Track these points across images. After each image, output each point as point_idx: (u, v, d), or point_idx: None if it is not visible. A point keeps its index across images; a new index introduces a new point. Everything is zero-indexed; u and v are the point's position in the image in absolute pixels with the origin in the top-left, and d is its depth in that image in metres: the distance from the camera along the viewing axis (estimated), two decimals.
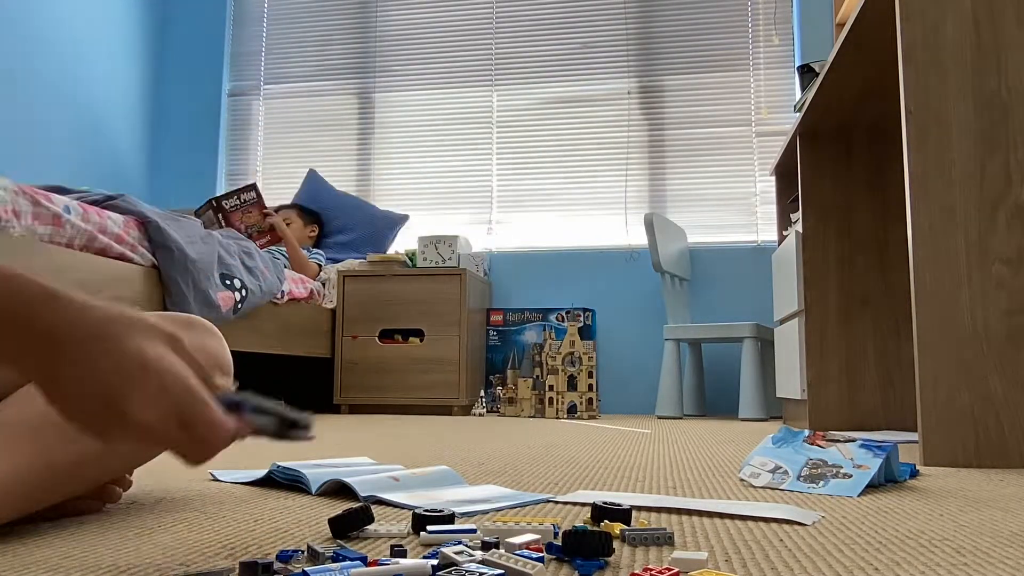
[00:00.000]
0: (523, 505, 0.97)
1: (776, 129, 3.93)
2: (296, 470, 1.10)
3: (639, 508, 0.93)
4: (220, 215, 3.54)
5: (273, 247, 3.60)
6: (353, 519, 0.73)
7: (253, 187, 3.62)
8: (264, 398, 0.61)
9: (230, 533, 0.76)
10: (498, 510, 0.93)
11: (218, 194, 3.69)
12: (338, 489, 1.04)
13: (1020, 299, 1.48)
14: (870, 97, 2.36)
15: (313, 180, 4.14)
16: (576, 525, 0.70)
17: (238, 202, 3.58)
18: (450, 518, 0.77)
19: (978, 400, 1.46)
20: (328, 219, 4.03)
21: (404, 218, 4.07)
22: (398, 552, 0.64)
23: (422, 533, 0.73)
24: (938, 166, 1.54)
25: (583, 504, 0.99)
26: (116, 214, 2.30)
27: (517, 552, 0.62)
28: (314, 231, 3.94)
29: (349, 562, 0.59)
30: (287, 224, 3.76)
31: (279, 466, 1.13)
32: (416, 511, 0.78)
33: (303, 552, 0.63)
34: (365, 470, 1.14)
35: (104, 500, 0.86)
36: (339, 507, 0.94)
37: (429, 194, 4.24)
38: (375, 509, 0.92)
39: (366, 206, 4.08)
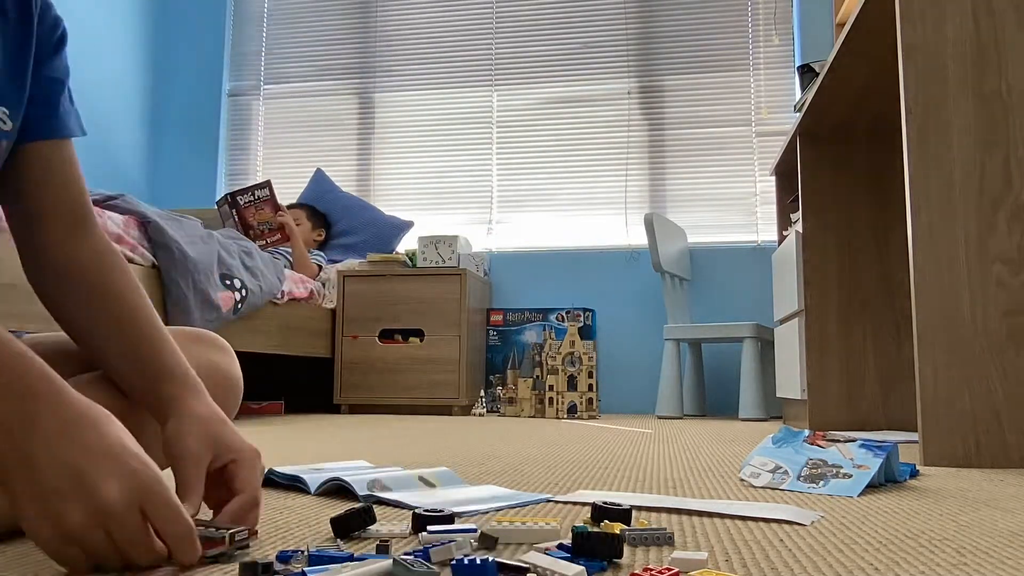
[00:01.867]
0: (522, 505, 0.97)
1: (776, 129, 3.93)
2: (295, 475, 1.10)
3: (639, 508, 0.93)
4: (235, 210, 3.60)
5: (281, 247, 3.62)
6: (355, 519, 0.73)
7: (267, 184, 3.69)
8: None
9: None
10: (498, 510, 0.93)
11: (233, 190, 3.74)
12: (337, 489, 1.04)
13: (1020, 299, 1.48)
14: (870, 97, 2.36)
15: (320, 180, 4.13)
16: (575, 525, 0.70)
17: (252, 198, 3.63)
18: (450, 518, 0.77)
19: (978, 400, 1.46)
20: (333, 220, 4.02)
21: (409, 224, 4.06)
22: (382, 550, 0.65)
23: (422, 533, 0.73)
24: (938, 166, 1.54)
25: (583, 504, 0.99)
26: (116, 214, 2.31)
27: (552, 553, 0.63)
28: (321, 235, 3.93)
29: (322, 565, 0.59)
30: (295, 224, 3.77)
31: (276, 471, 1.13)
32: (416, 511, 0.78)
33: (303, 552, 0.63)
34: (364, 473, 1.14)
35: None
36: (339, 507, 0.94)
37: (429, 194, 4.24)
38: (375, 509, 0.92)
39: (372, 209, 4.06)
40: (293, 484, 1.09)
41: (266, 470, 1.15)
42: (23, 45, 0.79)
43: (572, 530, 0.65)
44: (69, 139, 0.85)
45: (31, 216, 0.81)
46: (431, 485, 1.05)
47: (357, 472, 1.11)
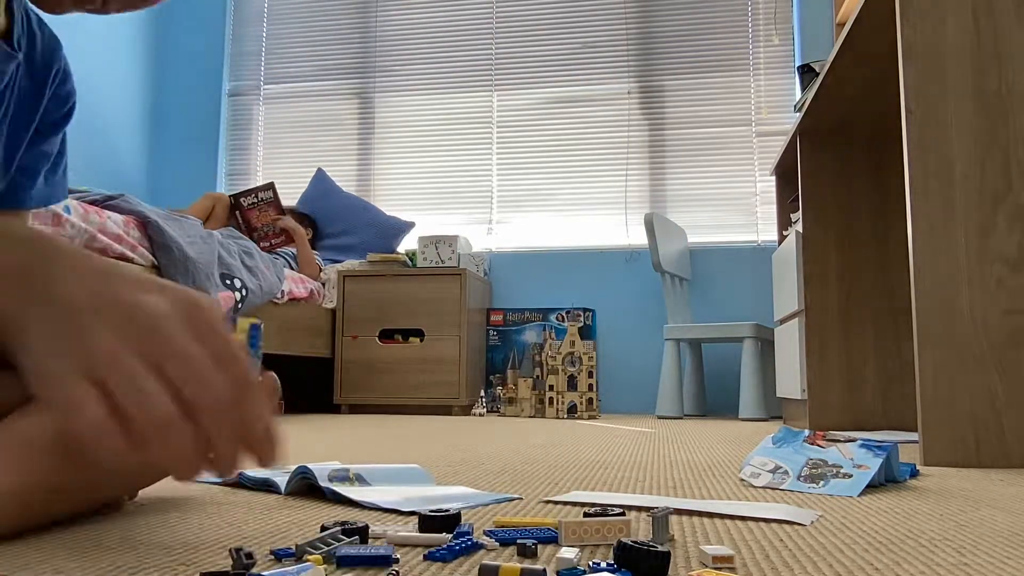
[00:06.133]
0: (487, 504, 0.96)
1: (776, 129, 3.92)
2: (266, 478, 1.08)
3: (639, 508, 0.93)
4: (238, 212, 3.62)
5: (283, 249, 3.64)
6: (348, 534, 0.71)
7: (271, 186, 3.72)
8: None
9: (230, 533, 0.76)
10: (467, 508, 0.92)
11: (237, 192, 3.76)
12: (308, 489, 1.03)
13: (1020, 299, 1.48)
14: (870, 97, 2.36)
15: (321, 180, 4.14)
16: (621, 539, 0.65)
17: (255, 200, 3.66)
18: (456, 518, 0.76)
19: (978, 400, 1.46)
20: (333, 221, 4.02)
21: (410, 225, 4.06)
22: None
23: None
24: (938, 166, 1.54)
25: (581, 504, 0.98)
26: (116, 214, 2.31)
27: (593, 563, 0.60)
28: (308, 235, 3.94)
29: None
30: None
31: (246, 474, 1.10)
32: (422, 512, 0.77)
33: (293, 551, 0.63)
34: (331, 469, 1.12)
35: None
36: (323, 507, 0.94)
37: (429, 194, 4.24)
38: (370, 512, 0.92)
39: (373, 210, 4.06)
40: (264, 487, 1.08)
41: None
42: (28, 122, 0.76)
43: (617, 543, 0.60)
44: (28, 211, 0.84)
45: None
46: (354, 480, 1.03)
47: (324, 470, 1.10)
